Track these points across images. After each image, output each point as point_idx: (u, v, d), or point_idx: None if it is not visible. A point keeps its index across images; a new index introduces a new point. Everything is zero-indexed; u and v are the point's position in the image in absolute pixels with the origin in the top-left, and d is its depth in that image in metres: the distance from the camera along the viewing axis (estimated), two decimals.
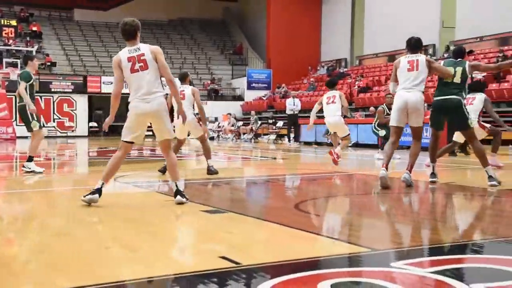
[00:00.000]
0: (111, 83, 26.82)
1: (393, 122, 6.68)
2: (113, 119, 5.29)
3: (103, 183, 5.06)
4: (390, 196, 6.54)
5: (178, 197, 5.12)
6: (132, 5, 34.58)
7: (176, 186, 5.26)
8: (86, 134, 28.98)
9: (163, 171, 7.73)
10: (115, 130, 26.79)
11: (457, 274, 2.72)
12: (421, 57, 6.59)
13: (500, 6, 22.72)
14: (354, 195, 7.21)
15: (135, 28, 5.06)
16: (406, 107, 6.34)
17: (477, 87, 11.22)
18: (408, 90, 6.41)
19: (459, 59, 6.79)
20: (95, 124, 30.04)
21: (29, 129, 8.95)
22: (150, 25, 34.59)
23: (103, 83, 28.63)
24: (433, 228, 4.63)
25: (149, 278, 2.75)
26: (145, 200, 6.23)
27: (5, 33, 29.76)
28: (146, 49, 5.02)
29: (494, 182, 6.67)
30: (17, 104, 9.58)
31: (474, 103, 9.50)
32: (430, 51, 25.28)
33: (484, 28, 23.33)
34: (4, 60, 26.26)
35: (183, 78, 8.10)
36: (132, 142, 5.29)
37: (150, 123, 5.26)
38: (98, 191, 5.01)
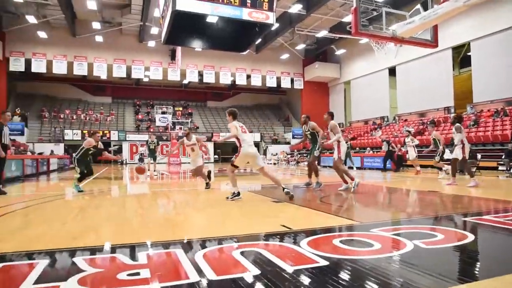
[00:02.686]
0: (224, 136, 37.16)
1: None
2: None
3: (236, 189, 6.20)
4: (366, 194, 7.03)
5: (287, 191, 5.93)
6: (234, 98, 43.05)
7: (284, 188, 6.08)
8: (213, 161, 33.53)
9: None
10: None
11: (405, 235, 3.37)
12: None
13: (420, 96, 25.70)
14: (357, 193, 7.04)
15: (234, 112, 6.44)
16: None
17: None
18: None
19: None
20: (216, 156, 35.49)
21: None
22: (244, 107, 41.29)
23: (221, 136, 32.88)
24: (390, 211, 5.37)
25: (247, 234, 3.55)
26: (242, 196, 6.42)
27: (177, 113, 37.61)
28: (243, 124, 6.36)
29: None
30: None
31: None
32: (385, 119, 29.35)
33: (412, 108, 26.82)
34: (177, 126, 34.30)
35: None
36: (237, 167, 6.29)
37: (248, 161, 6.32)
38: (238, 193, 6.16)
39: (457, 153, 8.68)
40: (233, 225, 4.26)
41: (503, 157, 14.21)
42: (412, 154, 13.80)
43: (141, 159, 30.69)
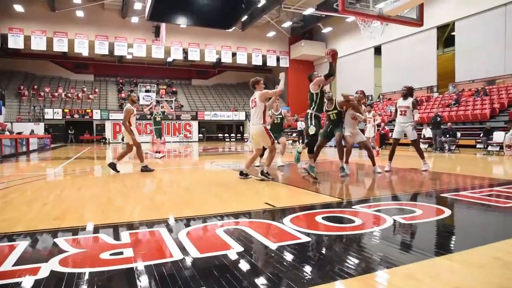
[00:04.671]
0: (209, 115, 34.33)
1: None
2: None
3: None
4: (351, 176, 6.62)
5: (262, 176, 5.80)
6: (219, 76, 42.23)
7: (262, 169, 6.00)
8: (197, 140, 34.28)
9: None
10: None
11: (386, 211, 3.52)
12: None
13: (404, 75, 25.38)
14: (330, 172, 7.08)
15: (253, 82, 5.91)
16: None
17: None
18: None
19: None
20: (200, 135, 35.24)
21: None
22: (229, 85, 41.47)
23: (205, 114, 34.92)
24: (368, 189, 5.36)
25: (231, 212, 3.54)
26: (227, 174, 6.93)
27: (161, 92, 37.04)
28: (256, 95, 5.75)
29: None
30: None
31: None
32: (370, 98, 28.73)
33: (396, 86, 25.78)
34: (160, 104, 32.58)
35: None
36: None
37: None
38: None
39: (413, 134, 7.41)
40: (217, 204, 4.27)
41: (481, 135, 14.73)
42: (370, 132, 12.47)
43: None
